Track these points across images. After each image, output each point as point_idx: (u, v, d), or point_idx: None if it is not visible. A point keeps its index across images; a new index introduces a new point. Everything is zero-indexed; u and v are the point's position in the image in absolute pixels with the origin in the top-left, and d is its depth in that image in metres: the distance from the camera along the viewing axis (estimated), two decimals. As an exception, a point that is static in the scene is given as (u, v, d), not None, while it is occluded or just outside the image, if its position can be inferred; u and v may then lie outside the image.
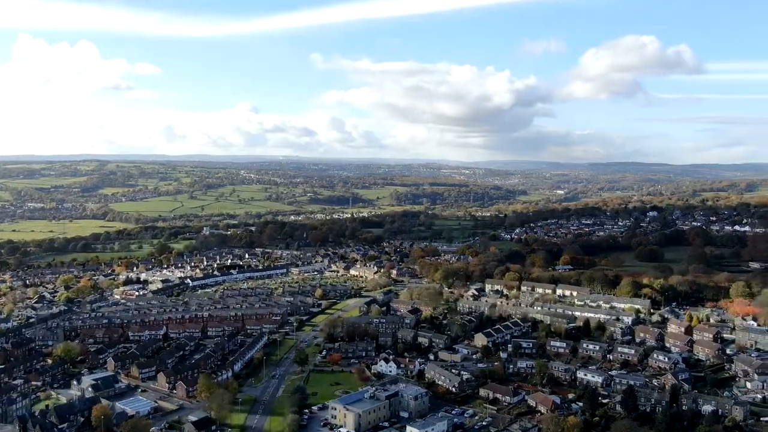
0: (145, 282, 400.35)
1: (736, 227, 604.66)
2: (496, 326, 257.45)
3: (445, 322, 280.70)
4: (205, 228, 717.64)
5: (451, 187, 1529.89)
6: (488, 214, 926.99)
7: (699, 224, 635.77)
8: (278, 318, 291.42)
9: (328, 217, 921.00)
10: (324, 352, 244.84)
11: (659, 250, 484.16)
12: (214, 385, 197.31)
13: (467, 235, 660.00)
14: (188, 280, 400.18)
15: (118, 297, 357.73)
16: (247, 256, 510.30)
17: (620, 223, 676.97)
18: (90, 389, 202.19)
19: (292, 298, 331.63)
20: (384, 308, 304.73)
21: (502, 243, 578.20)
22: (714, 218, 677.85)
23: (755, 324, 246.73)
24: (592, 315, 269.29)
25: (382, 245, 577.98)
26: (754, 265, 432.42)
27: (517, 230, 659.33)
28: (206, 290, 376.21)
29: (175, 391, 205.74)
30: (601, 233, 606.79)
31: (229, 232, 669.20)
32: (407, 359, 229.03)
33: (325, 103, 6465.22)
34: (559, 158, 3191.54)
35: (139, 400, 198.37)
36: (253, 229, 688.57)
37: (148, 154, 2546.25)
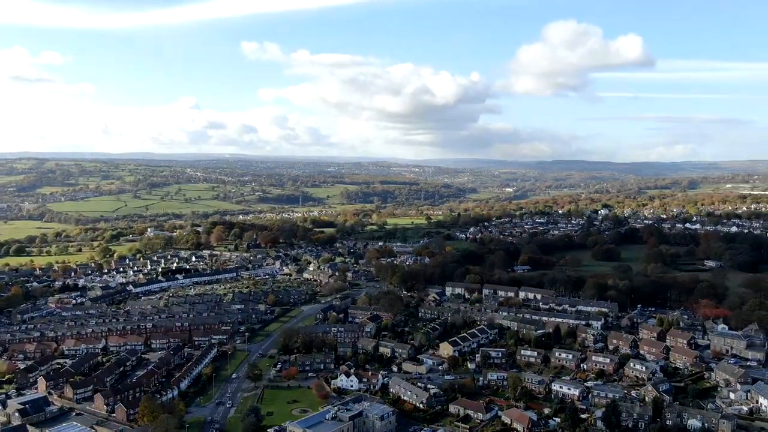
0: (84, 289, 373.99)
1: (687, 225, 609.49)
2: (462, 334, 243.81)
3: (406, 329, 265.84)
4: (149, 229, 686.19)
5: (401, 186, 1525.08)
6: (440, 213, 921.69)
7: (651, 222, 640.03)
8: (228, 328, 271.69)
9: (278, 217, 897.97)
10: (279, 366, 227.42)
11: (615, 249, 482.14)
12: (157, 406, 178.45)
13: (421, 234, 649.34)
14: (130, 286, 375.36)
15: (52, 306, 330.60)
16: (194, 258, 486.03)
17: (573, 222, 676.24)
18: (17, 414, 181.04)
19: (242, 306, 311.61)
20: (341, 315, 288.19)
21: (457, 243, 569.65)
22: (664, 216, 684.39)
23: (726, 328, 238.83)
24: (560, 320, 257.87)
25: (336, 246, 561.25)
26: (710, 263, 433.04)
27: (472, 229, 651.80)
28: (150, 297, 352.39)
29: (114, 415, 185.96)
30: (556, 232, 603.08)
31: (174, 233, 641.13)
32: (370, 372, 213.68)
33: (266, 100, 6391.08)
34: (507, 156, 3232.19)
35: (73, 426, 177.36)
36: (200, 229, 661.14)
37: (88, 152, 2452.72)
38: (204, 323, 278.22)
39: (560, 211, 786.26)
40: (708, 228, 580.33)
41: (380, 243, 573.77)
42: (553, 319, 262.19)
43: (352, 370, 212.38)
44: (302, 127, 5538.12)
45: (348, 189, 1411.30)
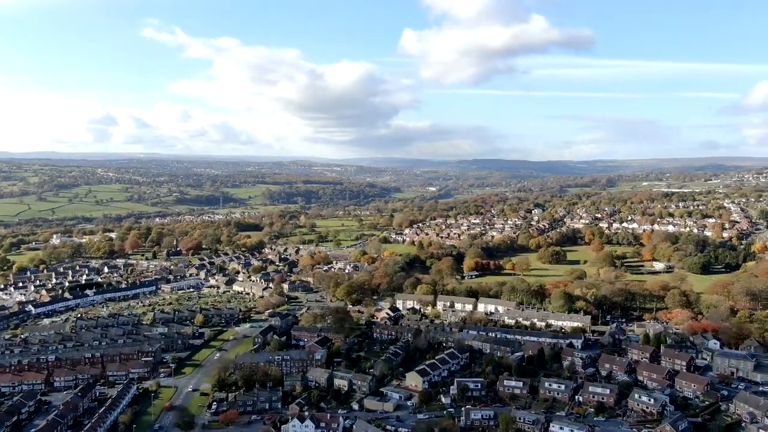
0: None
1: (624, 224, 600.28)
2: (430, 360, 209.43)
3: (362, 354, 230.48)
4: (54, 235, 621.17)
5: (325, 185, 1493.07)
6: (369, 213, 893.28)
7: (587, 222, 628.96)
8: (150, 358, 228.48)
9: (198, 219, 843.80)
10: (214, 406, 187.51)
11: (562, 251, 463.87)
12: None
13: (354, 237, 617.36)
14: (30, 306, 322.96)
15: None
16: (106, 269, 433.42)
17: (510, 222, 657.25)
18: None
19: (166, 329, 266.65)
20: (284, 338, 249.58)
21: (394, 246, 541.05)
22: (599, 215, 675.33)
23: (718, 344, 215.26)
24: (538, 339, 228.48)
25: (265, 252, 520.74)
26: (658, 265, 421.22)
27: (407, 231, 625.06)
28: (54, 320, 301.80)
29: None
30: (494, 233, 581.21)
31: (84, 240, 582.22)
32: (328, 414, 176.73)
33: (165, 95, 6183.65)
34: (427, 155, 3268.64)
35: None
36: (113, 235, 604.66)
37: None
38: (120, 353, 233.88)
39: (493, 211, 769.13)
40: (645, 227, 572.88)
41: (312, 248, 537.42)
42: (528, 338, 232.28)
43: (306, 411, 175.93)
44: (208, 123, 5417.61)
45: (270, 189, 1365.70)
